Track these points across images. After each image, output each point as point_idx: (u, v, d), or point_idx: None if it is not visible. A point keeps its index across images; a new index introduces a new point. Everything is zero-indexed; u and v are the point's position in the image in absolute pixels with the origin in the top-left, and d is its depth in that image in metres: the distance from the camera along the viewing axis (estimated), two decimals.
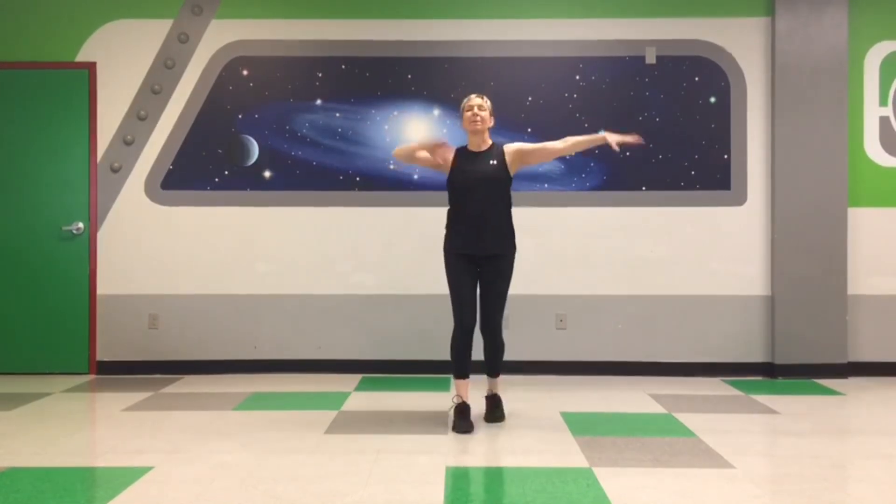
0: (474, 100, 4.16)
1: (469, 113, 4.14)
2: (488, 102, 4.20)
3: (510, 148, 4.20)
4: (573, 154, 4.44)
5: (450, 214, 4.21)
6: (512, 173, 4.19)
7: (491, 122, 4.20)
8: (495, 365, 4.26)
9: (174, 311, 5.64)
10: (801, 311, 5.49)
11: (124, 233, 5.63)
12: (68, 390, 5.11)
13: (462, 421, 4.04)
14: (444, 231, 4.27)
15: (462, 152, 4.20)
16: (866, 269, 5.60)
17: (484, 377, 4.34)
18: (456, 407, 4.13)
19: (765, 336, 5.58)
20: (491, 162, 4.13)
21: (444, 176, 4.23)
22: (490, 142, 4.21)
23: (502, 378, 4.44)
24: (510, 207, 4.21)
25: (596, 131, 5.58)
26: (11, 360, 5.62)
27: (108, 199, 5.64)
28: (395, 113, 5.64)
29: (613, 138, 4.14)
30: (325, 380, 5.41)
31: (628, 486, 3.10)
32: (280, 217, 5.64)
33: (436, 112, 5.63)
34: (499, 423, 4.19)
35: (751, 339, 5.59)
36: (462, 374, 4.18)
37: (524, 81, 5.61)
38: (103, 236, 5.63)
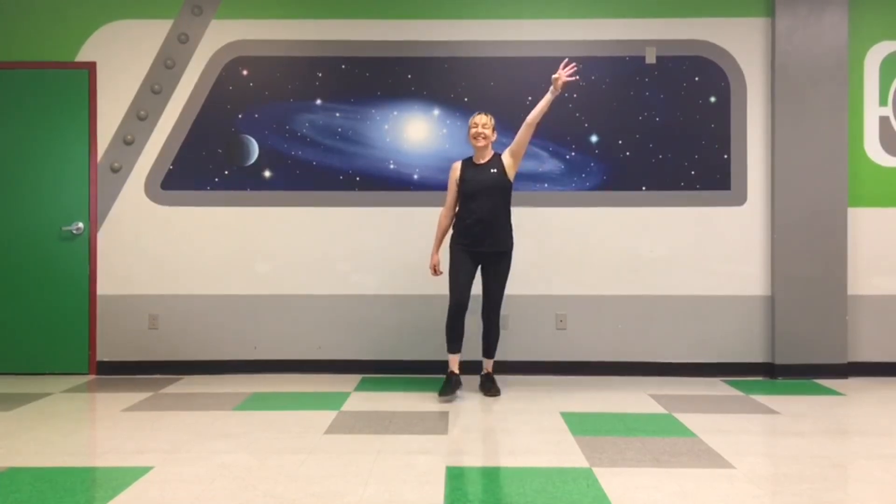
0: (479, 118, 4.79)
1: (473, 130, 4.77)
2: (492, 120, 4.83)
3: (504, 154, 4.82)
4: (540, 119, 4.77)
5: (458, 216, 4.86)
6: (511, 178, 4.82)
7: (493, 137, 4.83)
8: (491, 348, 4.94)
9: (174, 311, 5.64)
10: (801, 311, 5.49)
11: (124, 233, 5.63)
12: (68, 390, 5.11)
13: (447, 388, 4.74)
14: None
15: (468, 164, 4.86)
16: (866, 269, 5.60)
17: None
18: (447, 376, 4.83)
19: (765, 336, 5.58)
20: (492, 171, 4.78)
21: (446, 173, 4.50)
22: (492, 153, 4.85)
23: (502, 377, 5.05)
24: (509, 208, 4.85)
25: (596, 131, 5.65)
26: (11, 360, 5.62)
27: (108, 199, 5.64)
28: (395, 113, 5.64)
29: (560, 78, 4.69)
30: (325, 380, 5.41)
31: (628, 486, 3.10)
32: (280, 217, 5.64)
33: (436, 112, 5.63)
34: (499, 418, 4.20)
35: (751, 339, 5.59)
36: (454, 349, 4.84)
37: (524, 81, 5.61)
38: (103, 236, 5.63)
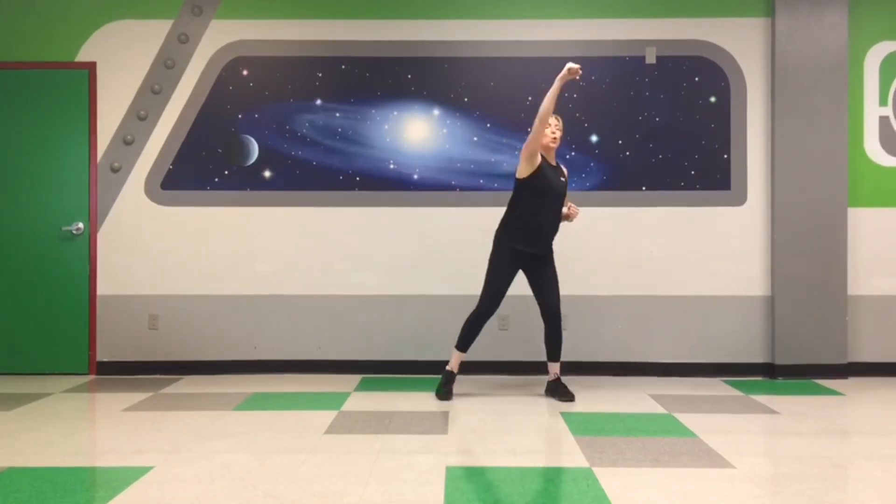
0: (553, 120, 4.65)
1: (548, 129, 4.62)
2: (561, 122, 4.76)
3: (565, 174, 4.84)
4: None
5: (519, 213, 4.65)
6: None
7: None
8: (559, 350, 4.82)
9: (174, 311, 5.64)
10: (801, 311, 5.49)
11: (124, 233, 5.63)
12: (68, 390, 5.11)
13: (444, 388, 4.76)
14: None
15: (545, 162, 4.67)
16: (866, 269, 5.60)
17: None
18: (445, 374, 4.81)
19: (765, 336, 5.58)
20: (562, 178, 4.74)
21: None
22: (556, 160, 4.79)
23: (502, 379, 5.07)
24: None
25: (596, 131, 5.65)
26: (11, 361, 5.62)
27: (108, 199, 5.64)
28: (395, 113, 5.64)
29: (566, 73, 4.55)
30: (325, 380, 5.41)
31: (628, 486, 3.09)
32: (280, 217, 5.64)
33: (436, 112, 5.63)
34: (499, 418, 4.20)
35: (751, 339, 5.59)
36: (465, 348, 4.80)
37: (524, 81, 5.61)
38: (103, 236, 5.63)
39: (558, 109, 5.59)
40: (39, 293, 5.62)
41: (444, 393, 4.76)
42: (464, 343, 4.80)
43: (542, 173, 4.60)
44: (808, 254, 5.50)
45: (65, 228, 5.63)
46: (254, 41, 5.64)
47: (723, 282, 5.59)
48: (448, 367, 4.84)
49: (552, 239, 4.78)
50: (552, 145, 4.68)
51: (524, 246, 4.67)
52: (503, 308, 4.96)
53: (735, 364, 5.58)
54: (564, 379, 4.98)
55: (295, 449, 3.65)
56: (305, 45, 5.63)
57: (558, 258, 5.59)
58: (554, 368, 4.84)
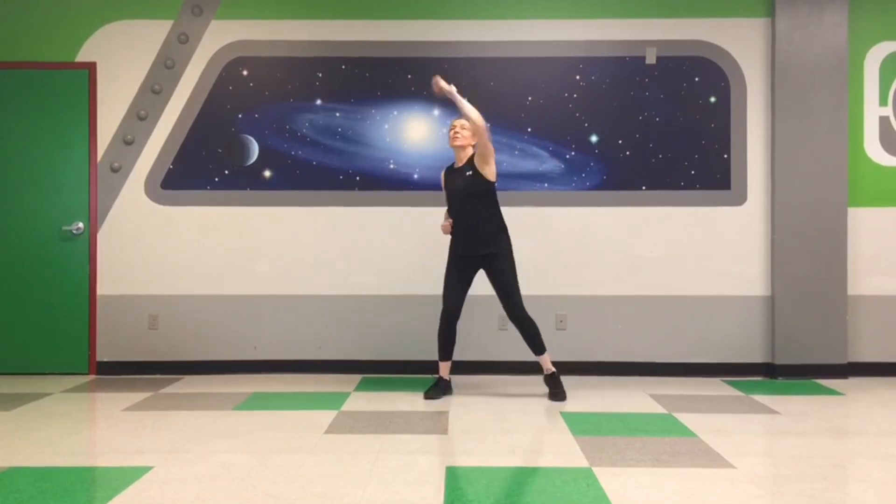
0: (457, 120, 4.74)
1: (451, 132, 4.73)
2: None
3: (473, 164, 4.68)
4: (475, 118, 4.57)
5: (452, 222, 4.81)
6: (489, 176, 4.66)
7: (473, 140, 4.68)
8: (533, 344, 4.75)
9: (174, 311, 5.64)
10: (801, 311, 5.49)
11: (124, 233, 5.63)
12: (68, 390, 5.11)
13: (433, 390, 4.80)
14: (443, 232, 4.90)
15: (448, 169, 4.85)
16: (866, 269, 5.60)
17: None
18: (435, 379, 4.91)
19: (765, 336, 5.58)
20: (467, 174, 4.68)
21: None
22: (470, 154, 4.72)
23: (502, 379, 5.05)
24: (493, 209, 4.72)
25: (596, 131, 5.65)
26: (11, 360, 5.62)
27: (108, 199, 5.64)
28: (395, 113, 5.64)
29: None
30: (325, 380, 5.41)
31: (628, 486, 3.09)
32: (280, 217, 5.64)
33: (436, 112, 5.63)
34: (499, 418, 4.19)
35: (751, 339, 5.59)
36: (443, 357, 4.83)
37: (524, 81, 5.61)
38: (103, 236, 5.63)
39: (556, 108, 5.60)
40: (39, 293, 5.62)
41: (431, 395, 4.79)
42: (439, 350, 4.84)
43: (445, 185, 4.82)
44: (808, 254, 5.50)
45: (65, 228, 5.63)
46: (254, 41, 5.64)
47: (723, 282, 5.59)
48: (438, 376, 4.92)
49: (482, 239, 4.68)
50: (452, 145, 4.75)
51: (455, 249, 4.78)
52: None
53: (735, 364, 5.58)
54: (564, 379, 4.98)
55: (295, 449, 3.65)
56: (305, 45, 5.63)
57: (558, 256, 5.60)
58: (543, 363, 4.80)
